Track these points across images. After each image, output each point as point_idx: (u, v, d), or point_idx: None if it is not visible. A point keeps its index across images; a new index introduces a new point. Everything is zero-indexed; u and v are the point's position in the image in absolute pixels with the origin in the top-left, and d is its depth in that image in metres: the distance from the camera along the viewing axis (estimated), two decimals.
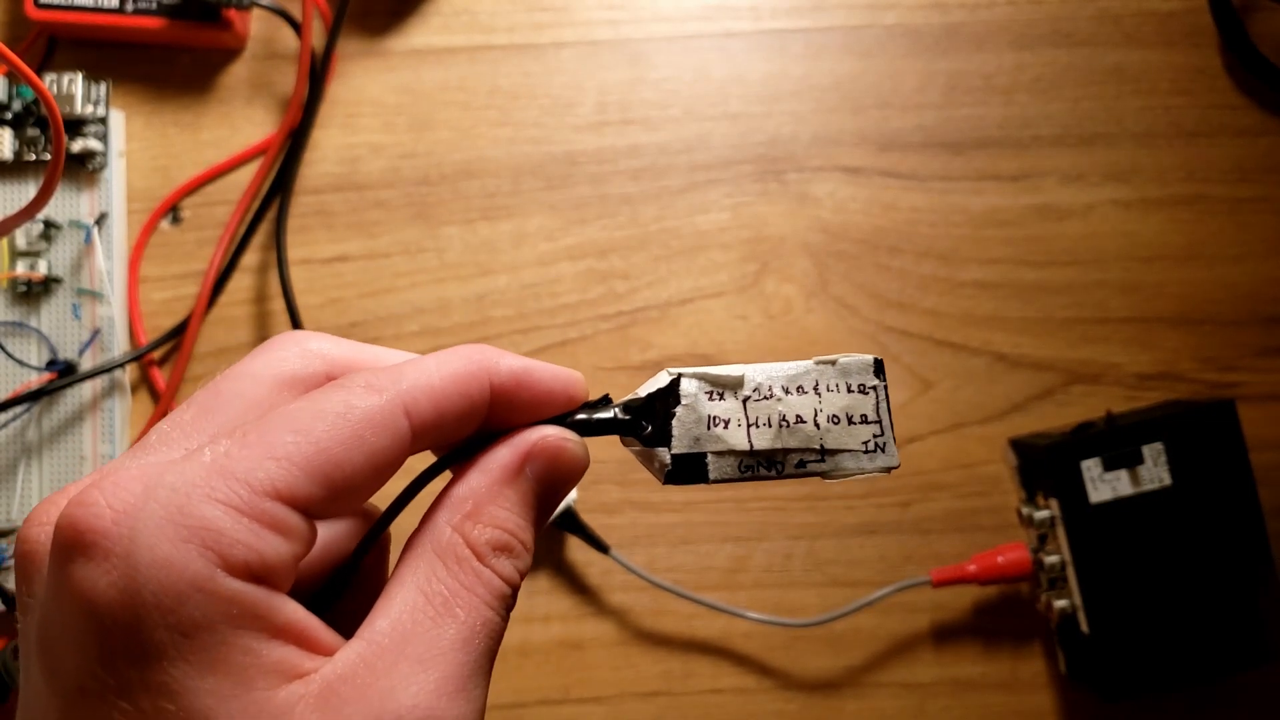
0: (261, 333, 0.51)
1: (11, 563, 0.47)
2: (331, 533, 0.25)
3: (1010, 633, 0.50)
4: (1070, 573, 0.46)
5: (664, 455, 0.24)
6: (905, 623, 0.50)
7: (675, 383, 0.24)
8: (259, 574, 0.20)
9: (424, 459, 0.24)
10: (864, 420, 0.24)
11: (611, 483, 0.50)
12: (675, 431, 0.24)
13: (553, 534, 0.49)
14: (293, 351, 0.23)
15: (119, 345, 0.49)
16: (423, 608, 0.21)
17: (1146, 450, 0.45)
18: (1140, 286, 0.51)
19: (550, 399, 0.24)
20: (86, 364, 0.49)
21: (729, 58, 0.52)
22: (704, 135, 0.52)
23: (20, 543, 0.21)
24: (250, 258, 0.51)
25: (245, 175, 0.51)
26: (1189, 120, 0.52)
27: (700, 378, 0.24)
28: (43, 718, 0.20)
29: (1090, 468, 0.45)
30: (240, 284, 0.51)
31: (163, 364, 0.51)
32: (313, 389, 0.22)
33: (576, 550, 0.49)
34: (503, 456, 0.23)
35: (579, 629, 0.49)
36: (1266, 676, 0.49)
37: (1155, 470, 0.45)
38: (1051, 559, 0.46)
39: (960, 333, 0.51)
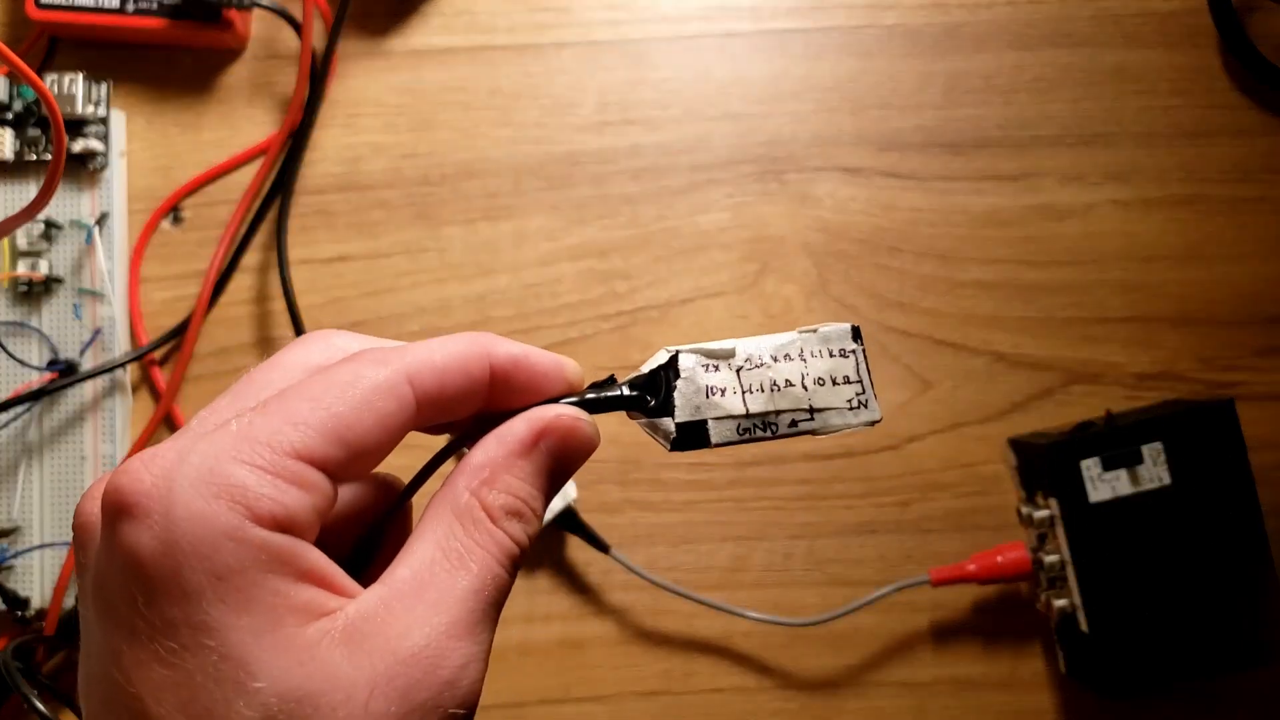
0: (263, 333, 0.51)
1: (13, 563, 0.48)
2: (353, 500, 0.27)
3: (1010, 632, 0.50)
4: (1069, 572, 0.46)
5: (668, 424, 0.26)
6: (905, 622, 0.50)
7: (674, 358, 0.26)
8: (284, 524, 0.22)
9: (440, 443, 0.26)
10: (846, 381, 0.27)
11: (612, 482, 0.50)
12: (678, 402, 0.26)
13: (553, 534, 0.49)
14: (319, 345, 0.26)
15: (120, 345, 0.49)
16: (440, 560, 0.23)
17: (1146, 450, 0.45)
18: (1140, 286, 0.51)
19: (546, 381, 0.26)
20: (87, 364, 0.49)
21: (730, 58, 0.52)
22: (705, 135, 0.52)
23: (77, 515, 0.24)
24: (251, 258, 0.51)
25: (246, 175, 0.52)
26: (1188, 120, 0.52)
27: (696, 352, 0.26)
28: (100, 661, 0.22)
29: (1089, 467, 0.45)
30: (241, 284, 0.51)
31: (164, 364, 0.51)
32: None
33: (577, 550, 0.50)
34: (519, 429, 0.25)
35: (580, 628, 0.49)
36: (1265, 676, 0.49)
37: (1155, 470, 0.45)
38: (1051, 558, 0.46)
39: (960, 332, 0.51)
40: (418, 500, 0.26)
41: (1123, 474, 0.45)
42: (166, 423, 0.50)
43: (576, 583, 0.50)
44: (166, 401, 0.49)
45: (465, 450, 0.26)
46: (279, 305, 0.50)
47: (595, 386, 0.27)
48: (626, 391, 0.26)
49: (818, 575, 0.50)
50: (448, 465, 0.26)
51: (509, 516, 0.24)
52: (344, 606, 0.22)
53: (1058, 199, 0.52)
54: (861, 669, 0.49)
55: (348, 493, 0.27)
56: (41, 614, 0.48)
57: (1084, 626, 0.45)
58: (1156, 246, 0.52)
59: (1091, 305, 0.51)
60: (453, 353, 0.25)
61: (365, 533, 0.27)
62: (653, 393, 0.26)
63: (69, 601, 0.47)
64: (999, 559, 0.47)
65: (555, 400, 0.26)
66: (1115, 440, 0.45)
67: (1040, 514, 0.47)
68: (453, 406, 0.25)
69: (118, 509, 0.21)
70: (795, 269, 0.51)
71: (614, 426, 0.50)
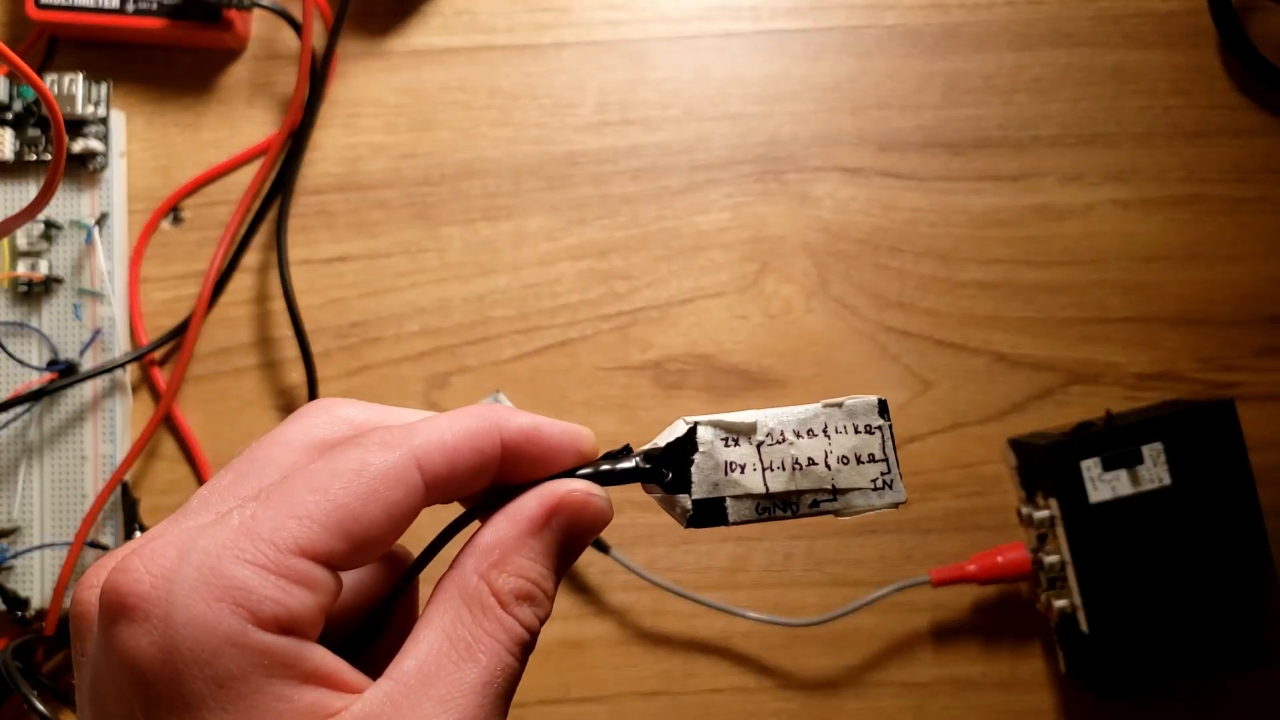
0: (263, 333, 0.51)
1: (13, 563, 0.48)
2: (359, 577, 0.26)
3: (1010, 632, 0.50)
4: (1070, 572, 0.46)
5: (685, 501, 0.25)
6: (905, 622, 0.50)
7: (692, 431, 0.25)
8: (287, 626, 0.21)
9: (453, 510, 0.25)
10: (871, 459, 0.26)
11: None
12: (695, 478, 0.25)
13: None
14: (322, 419, 0.25)
15: (120, 345, 0.49)
16: (447, 651, 0.22)
17: (1146, 450, 0.45)
18: (1140, 286, 0.51)
19: (560, 453, 0.25)
20: (87, 364, 0.49)
21: (729, 58, 0.52)
22: (704, 135, 0.52)
23: (73, 605, 0.23)
24: (251, 258, 0.51)
25: (246, 175, 0.52)
26: (1188, 120, 0.52)
27: (715, 425, 0.26)
28: None
29: (1090, 467, 0.45)
30: (241, 284, 0.51)
31: (164, 364, 0.51)
32: None
33: None
34: (529, 507, 0.24)
35: (580, 628, 0.49)
36: (1265, 676, 0.49)
37: (1155, 470, 0.45)
38: (1051, 559, 0.46)
39: (960, 332, 0.51)
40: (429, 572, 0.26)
41: (1123, 474, 0.45)
42: (166, 423, 0.50)
43: (576, 583, 0.50)
44: (166, 401, 0.49)
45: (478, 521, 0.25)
46: (279, 305, 0.50)
47: (609, 457, 0.26)
48: (641, 464, 0.26)
49: (818, 575, 0.50)
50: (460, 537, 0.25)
51: (519, 600, 0.23)
52: (350, 705, 0.21)
53: (1058, 199, 0.52)
54: (861, 669, 0.49)
55: (353, 572, 0.26)
56: (41, 614, 0.48)
57: (1084, 626, 0.45)
58: (1156, 246, 0.52)
59: (1091, 305, 0.51)
60: (463, 431, 0.24)
61: (370, 615, 0.26)
62: (669, 465, 0.25)
63: (69, 602, 0.47)
64: (999, 559, 0.47)
65: (568, 473, 0.25)
66: (1115, 440, 0.45)
67: (1040, 514, 0.47)
68: (463, 486, 0.24)
69: (115, 610, 0.21)
70: (795, 269, 0.51)
71: (613, 425, 0.50)
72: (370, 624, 0.25)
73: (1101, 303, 0.51)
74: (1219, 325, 0.51)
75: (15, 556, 0.48)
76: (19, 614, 0.47)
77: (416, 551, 0.26)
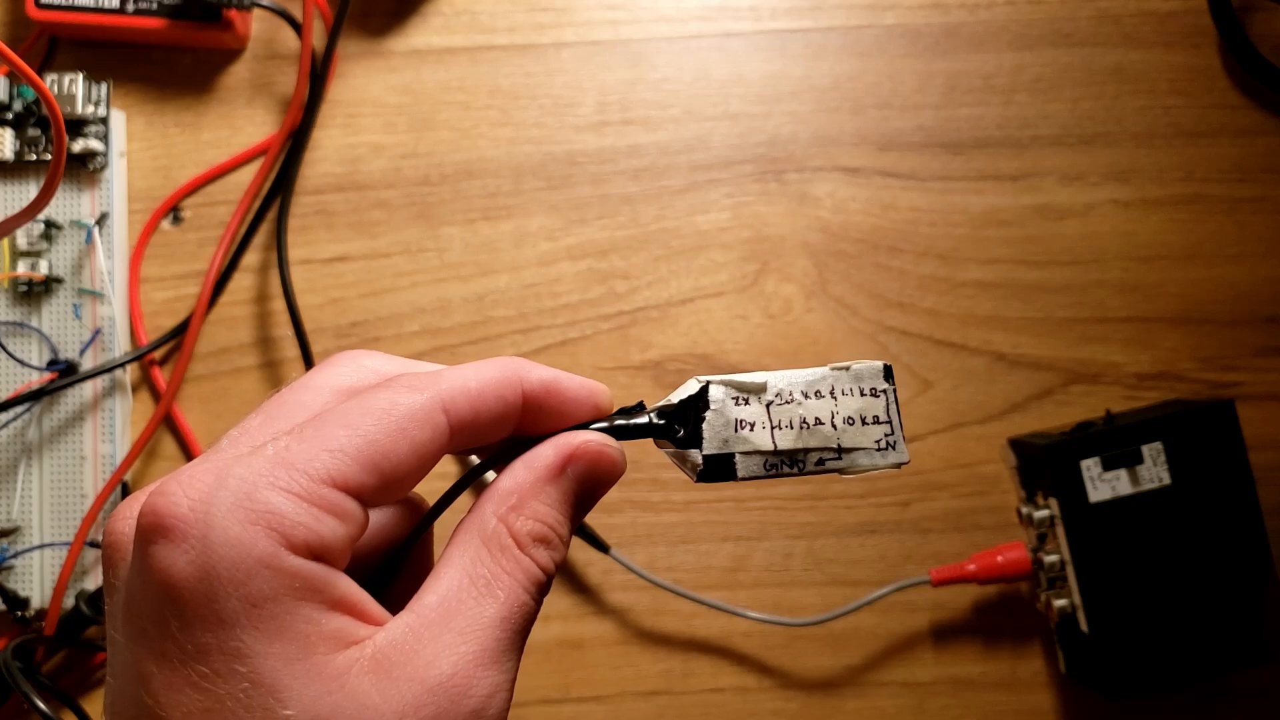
0: (263, 333, 0.51)
1: (13, 563, 0.48)
2: (380, 520, 0.27)
3: (1010, 632, 0.50)
4: (1070, 572, 0.46)
5: (696, 456, 0.26)
6: (905, 622, 0.50)
7: (704, 389, 0.26)
8: (318, 552, 0.22)
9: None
10: (876, 421, 0.27)
11: None
12: (706, 434, 0.26)
13: None
14: (350, 368, 0.26)
15: (120, 345, 0.49)
16: (467, 588, 0.23)
17: (1146, 450, 0.45)
18: (1139, 286, 0.51)
19: (577, 407, 0.26)
20: (87, 364, 0.49)
21: (729, 58, 0.52)
22: (704, 135, 0.52)
23: (107, 534, 0.24)
24: (251, 258, 0.51)
25: (246, 175, 0.52)
26: (1188, 120, 0.52)
27: (727, 384, 0.26)
28: (129, 682, 0.22)
29: (1090, 467, 0.45)
30: (241, 284, 0.51)
31: (164, 364, 0.51)
32: None
33: (577, 549, 0.50)
34: (546, 456, 0.25)
35: (579, 628, 0.49)
36: (1265, 675, 0.49)
37: (1155, 470, 0.45)
38: (1051, 558, 0.46)
39: (960, 332, 0.51)
40: (443, 523, 0.26)
41: (1123, 474, 0.45)
42: (166, 423, 0.50)
43: (576, 583, 0.50)
44: (166, 401, 0.49)
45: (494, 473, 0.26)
46: (279, 305, 0.50)
47: (624, 412, 0.27)
48: (655, 420, 0.26)
49: (818, 575, 0.50)
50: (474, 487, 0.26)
51: (536, 543, 0.24)
52: (373, 635, 0.22)
53: (1058, 199, 0.52)
54: (861, 669, 0.49)
55: (375, 515, 0.27)
56: (41, 614, 0.48)
57: (1084, 626, 0.45)
58: (1156, 246, 0.52)
59: (1091, 305, 0.51)
60: (487, 379, 0.25)
61: (389, 555, 0.27)
62: (681, 422, 0.26)
63: (69, 601, 0.47)
64: (999, 559, 0.47)
65: (584, 425, 0.26)
66: (1115, 440, 0.45)
67: (1040, 514, 0.47)
68: (485, 432, 0.25)
69: (154, 530, 0.21)
70: (795, 269, 0.51)
71: None
72: (389, 564, 0.26)
73: (1101, 303, 0.51)
74: (1219, 325, 0.51)
75: (15, 556, 0.48)
76: (19, 614, 0.47)
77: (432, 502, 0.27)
